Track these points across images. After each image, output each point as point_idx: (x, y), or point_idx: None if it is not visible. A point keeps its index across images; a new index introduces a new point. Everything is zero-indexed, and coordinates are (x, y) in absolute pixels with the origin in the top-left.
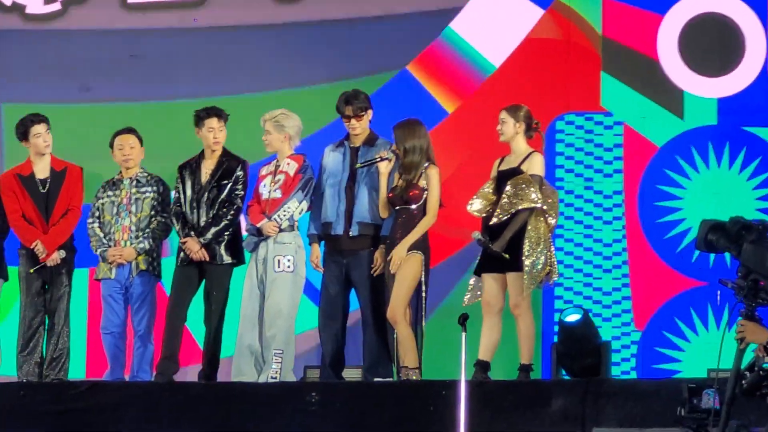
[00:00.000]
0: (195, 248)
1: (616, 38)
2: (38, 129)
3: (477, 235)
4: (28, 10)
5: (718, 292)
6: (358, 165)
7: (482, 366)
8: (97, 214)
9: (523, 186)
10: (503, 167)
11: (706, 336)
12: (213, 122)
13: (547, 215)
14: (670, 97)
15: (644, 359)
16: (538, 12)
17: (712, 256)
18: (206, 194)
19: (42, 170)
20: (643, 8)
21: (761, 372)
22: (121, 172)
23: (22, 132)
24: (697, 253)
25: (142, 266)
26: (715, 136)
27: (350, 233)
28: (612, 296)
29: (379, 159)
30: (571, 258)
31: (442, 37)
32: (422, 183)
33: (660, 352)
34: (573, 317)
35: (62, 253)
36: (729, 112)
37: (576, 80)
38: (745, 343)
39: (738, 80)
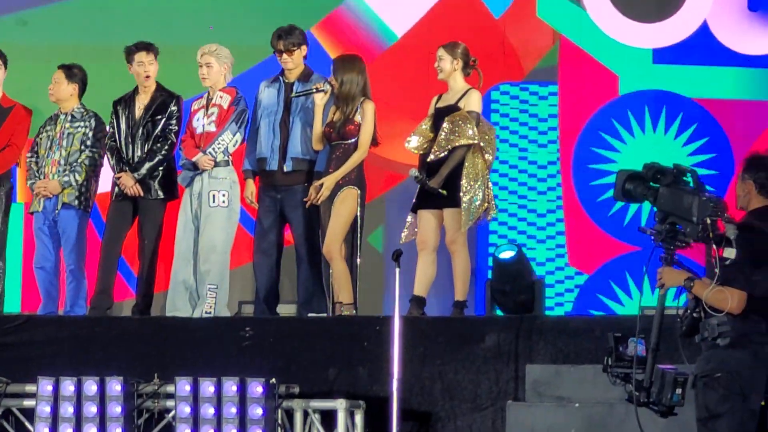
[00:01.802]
0: (129, 183)
1: None
2: None
3: (414, 172)
4: None
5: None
6: (294, 94)
7: (418, 301)
8: (35, 148)
9: (461, 123)
10: (440, 104)
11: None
12: (142, 56)
13: (484, 152)
14: None
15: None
16: None
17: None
18: (140, 129)
19: None
20: None
21: (694, 314)
22: (60, 107)
23: None
24: (629, 216)
25: (66, 200)
26: (651, 100)
27: (284, 168)
28: (545, 267)
29: (314, 90)
30: (504, 228)
31: (347, 3)
32: (358, 118)
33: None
34: (507, 254)
35: None
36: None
37: None
38: (664, 288)
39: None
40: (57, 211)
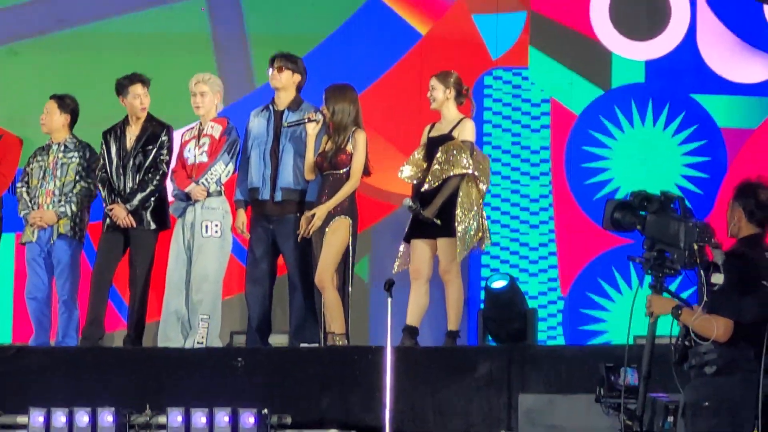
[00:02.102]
0: (122, 214)
1: (545, 13)
2: None
3: (408, 201)
4: None
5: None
6: (286, 124)
7: (410, 331)
8: (26, 178)
9: (455, 152)
10: (433, 134)
11: (630, 295)
12: (137, 88)
13: (478, 181)
14: (598, 72)
15: (571, 319)
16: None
17: None
18: (132, 160)
19: None
20: None
21: (686, 343)
22: (51, 138)
23: None
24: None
25: (62, 230)
26: (637, 94)
27: (275, 198)
28: (538, 264)
29: (306, 120)
30: (498, 213)
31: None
32: (350, 148)
33: (585, 313)
34: (499, 283)
35: None
36: (656, 73)
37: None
38: (653, 317)
39: (664, 44)
40: (52, 242)
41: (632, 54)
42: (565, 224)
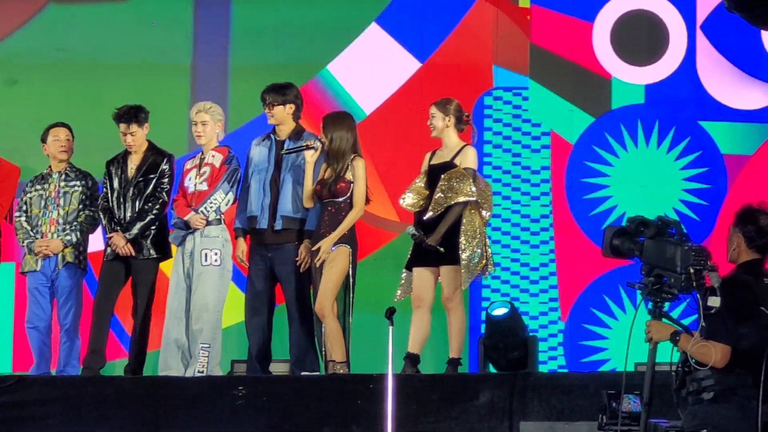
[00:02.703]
0: (121, 243)
1: (545, 46)
2: None
3: (411, 229)
4: None
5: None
6: (284, 151)
7: (412, 359)
8: (24, 207)
9: (458, 180)
10: (435, 161)
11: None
12: (123, 128)
13: (481, 208)
14: (597, 102)
15: (571, 342)
16: (416, 64)
17: None
18: (132, 189)
19: None
20: (572, 16)
21: (685, 368)
22: (50, 166)
23: None
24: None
25: (69, 259)
26: (642, 114)
27: (274, 227)
28: (539, 284)
29: (305, 147)
30: (498, 233)
31: (318, 76)
32: (349, 176)
33: (587, 331)
34: (500, 311)
35: None
36: (655, 96)
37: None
38: (653, 342)
39: (663, 68)
40: (58, 270)
41: (633, 79)
42: (565, 245)
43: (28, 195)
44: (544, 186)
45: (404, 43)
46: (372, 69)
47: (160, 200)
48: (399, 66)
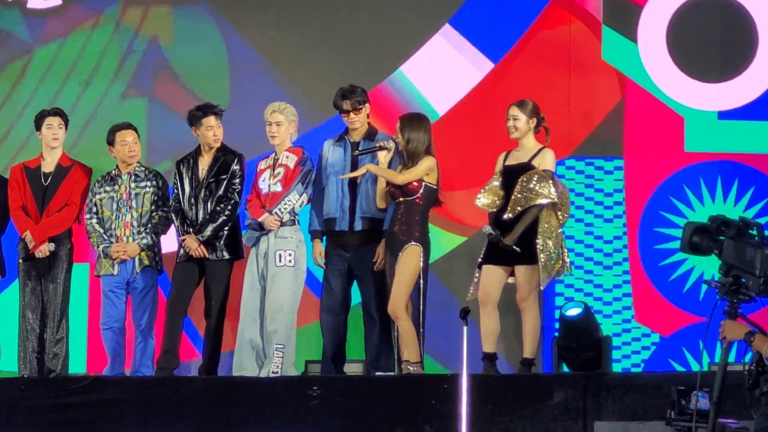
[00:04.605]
0: (194, 245)
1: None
2: (51, 121)
3: (488, 229)
4: (29, 5)
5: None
6: (357, 152)
7: (490, 358)
8: (94, 210)
9: (538, 181)
10: (510, 162)
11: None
12: (211, 120)
13: (557, 210)
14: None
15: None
16: (489, 65)
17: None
18: (204, 190)
19: (50, 164)
20: None
21: (759, 368)
22: (117, 167)
23: (37, 122)
24: (703, 290)
25: (146, 262)
26: (724, 170)
27: (354, 228)
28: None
29: (378, 147)
30: (572, 255)
31: (392, 78)
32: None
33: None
34: (574, 311)
35: (51, 246)
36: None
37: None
38: (726, 342)
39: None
40: (135, 274)
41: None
42: (643, 305)
43: (98, 197)
44: (617, 208)
45: (477, 43)
46: (445, 70)
47: (232, 201)
48: (472, 66)
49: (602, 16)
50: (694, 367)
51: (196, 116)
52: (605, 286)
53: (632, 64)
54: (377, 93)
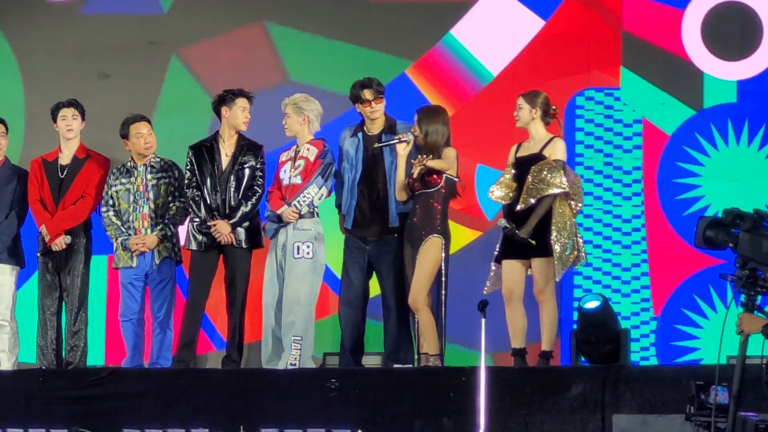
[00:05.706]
0: (226, 230)
1: (637, 33)
2: (65, 112)
3: (503, 222)
4: None
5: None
6: (376, 145)
7: (520, 354)
8: (111, 202)
9: (549, 171)
10: (521, 153)
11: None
12: (245, 102)
13: (570, 200)
14: (689, 93)
15: (664, 339)
16: (539, 22)
17: None
18: (231, 176)
19: (66, 156)
20: (664, 3)
21: None
22: (132, 158)
23: (53, 114)
24: None
25: (165, 253)
26: (734, 113)
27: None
28: (631, 284)
29: (397, 140)
30: (590, 234)
31: (442, 42)
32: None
33: (679, 330)
34: (592, 304)
35: (68, 239)
36: (748, 93)
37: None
38: (744, 335)
39: (757, 63)
40: (155, 266)
41: (724, 74)
42: (658, 245)
43: (114, 189)
44: (636, 186)
45: (525, 1)
46: (496, 30)
47: (258, 191)
48: (523, 25)
49: None
50: (709, 314)
51: (229, 97)
52: (624, 265)
53: None
54: (429, 58)
